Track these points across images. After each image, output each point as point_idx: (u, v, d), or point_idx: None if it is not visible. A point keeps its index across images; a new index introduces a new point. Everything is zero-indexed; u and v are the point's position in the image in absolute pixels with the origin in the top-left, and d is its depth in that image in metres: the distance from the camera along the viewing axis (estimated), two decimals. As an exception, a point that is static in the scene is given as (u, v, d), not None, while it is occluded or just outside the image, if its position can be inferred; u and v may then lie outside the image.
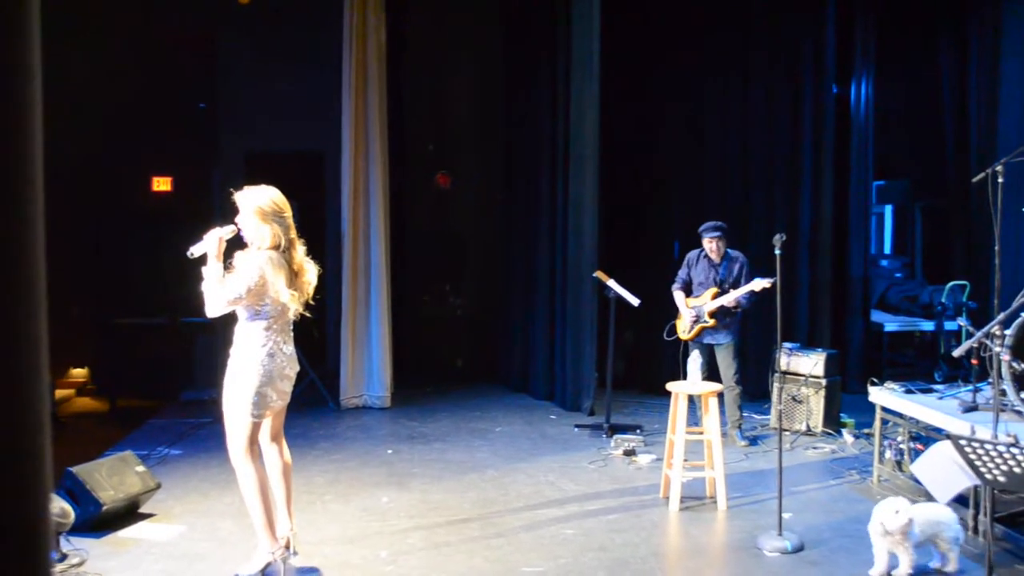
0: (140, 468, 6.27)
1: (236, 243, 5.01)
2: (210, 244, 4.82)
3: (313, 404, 9.31)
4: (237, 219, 4.93)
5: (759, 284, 7.65)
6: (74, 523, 5.59)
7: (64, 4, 9.29)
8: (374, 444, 8.19)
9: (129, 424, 8.83)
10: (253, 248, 4.92)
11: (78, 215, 10.07)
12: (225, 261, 4.88)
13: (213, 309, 4.79)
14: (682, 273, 8.25)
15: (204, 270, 4.82)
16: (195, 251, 4.85)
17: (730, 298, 7.85)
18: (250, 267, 4.78)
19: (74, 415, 9.63)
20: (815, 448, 8.02)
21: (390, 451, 7.92)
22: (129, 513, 6.06)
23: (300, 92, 10.71)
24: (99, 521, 5.77)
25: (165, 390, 9.93)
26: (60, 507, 5.43)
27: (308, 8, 10.62)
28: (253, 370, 4.85)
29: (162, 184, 11.11)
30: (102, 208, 10.58)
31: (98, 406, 10.06)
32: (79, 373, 10.66)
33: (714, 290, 7.97)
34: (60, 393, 9.90)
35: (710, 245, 8.03)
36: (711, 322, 7.95)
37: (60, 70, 9.53)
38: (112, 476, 5.98)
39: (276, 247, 4.87)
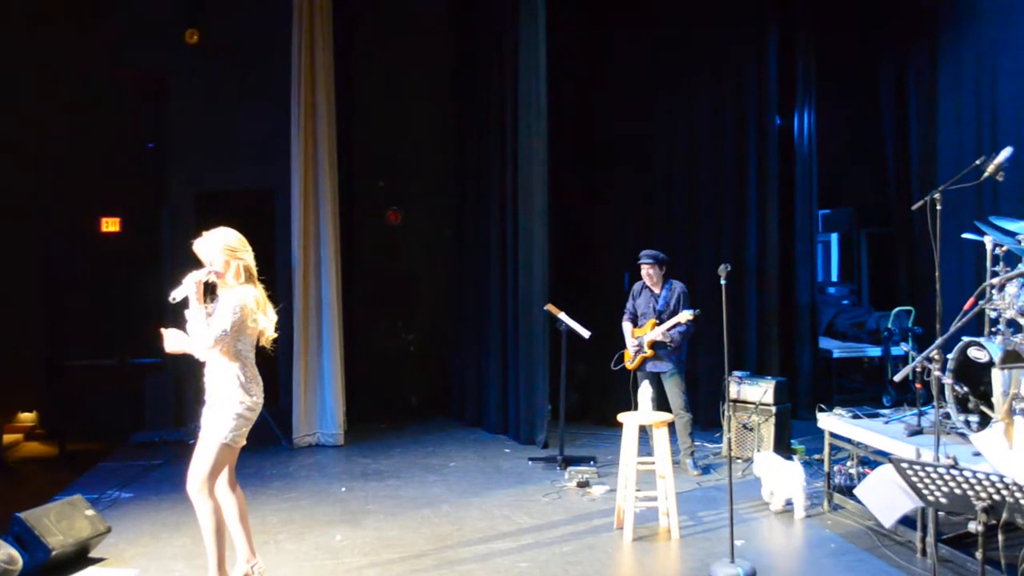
0: (89, 512, 6.19)
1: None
2: (189, 288, 4.99)
3: (266, 443, 9.23)
4: (207, 260, 5.08)
5: (684, 316, 7.86)
6: (22, 570, 5.52)
7: (10, 43, 9.25)
8: (328, 482, 8.14)
9: (79, 467, 8.70)
10: (226, 285, 5.08)
11: (25, 255, 9.97)
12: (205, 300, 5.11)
13: (201, 349, 4.98)
14: (629, 305, 8.37)
15: (187, 313, 5.00)
16: (176, 296, 5.00)
17: (658, 332, 7.97)
18: (230, 304, 4.96)
19: (22, 460, 9.49)
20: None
21: (344, 489, 7.89)
22: (79, 558, 5.97)
23: (249, 131, 10.70)
24: (48, 567, 5.67)
25: (115, 432, 9.81)
26: (8, 554, 5.36)
27: (257, 47, 10.64)
28: (236, 397, 5.00)
29: (110, 224, 11.05)
30: (50, 248, 10.49)
31: (47, 450, 9.92)
32: (27, 417, 10.51)
33: (653, 321, 8.09)
34: (8, 438, 9.75)
35: (644, 272, 8.18)
36: (649, 352, 8.06)
37: (6, 109, 9.48)
38: (61, 521, 5.90)
39: (249, 279, 5.09)
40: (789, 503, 6.89)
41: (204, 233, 5.13)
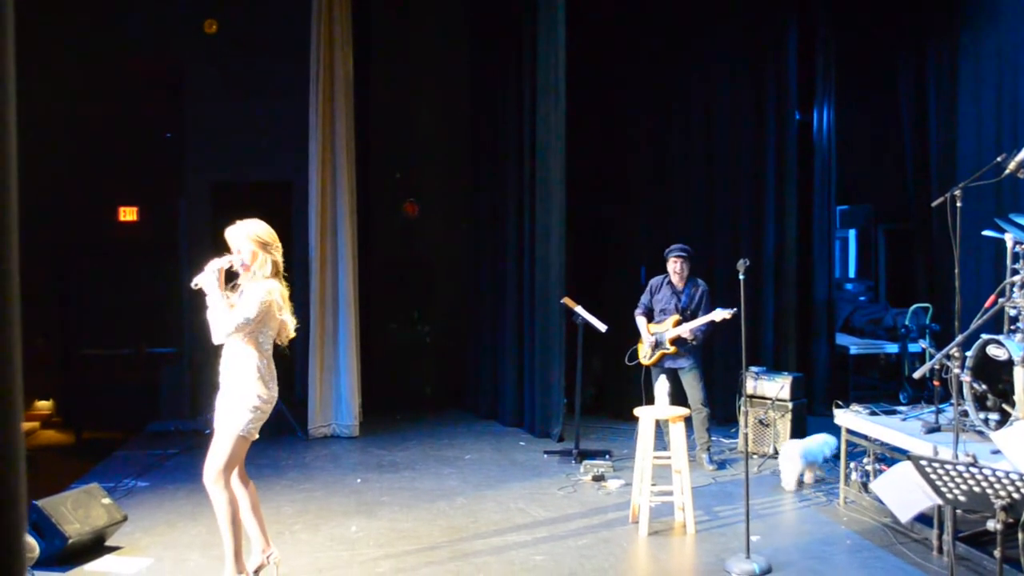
0: (106, 500, 6.22)
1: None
2: (211, 275, 4.98)
3: (281, 433, 9.26)
4: (235, 248, 5.08)
5: (719, 315, 7.72)
6: (39, 558, 5.55)
7: (28, 34, 9.28)
8: (343, 473, 8.16)
9: (95, 456, 8.74)
10: (252, 277, 5.07)
11: (43, 245, 10.01)
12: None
13: (219, 335, 4.96)
14: (644, 299, 8.29)
15: (208, 299, 4.99)
16: (198, 281, 5.00)
17: (686, 329, 7.89)
18: (256, 294, 4.96)
19: (39, 448, 9.54)
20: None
21: (359, 480, 7.90)
22: (95, 546, 6.00)
23: (267, 122, 10.72)
24: (65, 555, 5.70)
25: (131, 421, 9.85)
26: (25, 542, 5.37)
27: (275, 38, 10.65)
28: (253, 390, 4.99)
29: (128, 214, 11.09)
30: (68, 238, 10.53)
31: (63, 438, 9.98)
32: (44, 405, 10.56)
33: (676, 317, 8.01)
34: (25, 426, 9.77)
35: (674, 266, 8.07)
36: (671, 349, 8.00)
37: (25, 100, 9.53)
38: (78, 509, 5.93)
39: (276, 275, 5.09)
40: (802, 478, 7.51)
41: (237, 221, 5.13)
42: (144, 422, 9.95)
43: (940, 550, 5.77)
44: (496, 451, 9.00)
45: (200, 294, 5.03)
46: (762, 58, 10.51)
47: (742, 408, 8.49)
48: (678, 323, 7.97)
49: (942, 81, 10.57)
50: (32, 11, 9.31)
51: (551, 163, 9.38)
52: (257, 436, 5.10)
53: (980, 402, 5.98)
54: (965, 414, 6.00)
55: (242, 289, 5.08)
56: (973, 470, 3.57)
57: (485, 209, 10.81)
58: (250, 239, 5.05)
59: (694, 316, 7.98)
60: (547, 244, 9.42)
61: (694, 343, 7.97)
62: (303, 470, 8.28)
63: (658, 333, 8.05)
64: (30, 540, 5.46)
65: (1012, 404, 5.71)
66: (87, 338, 10.67)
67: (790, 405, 8.51)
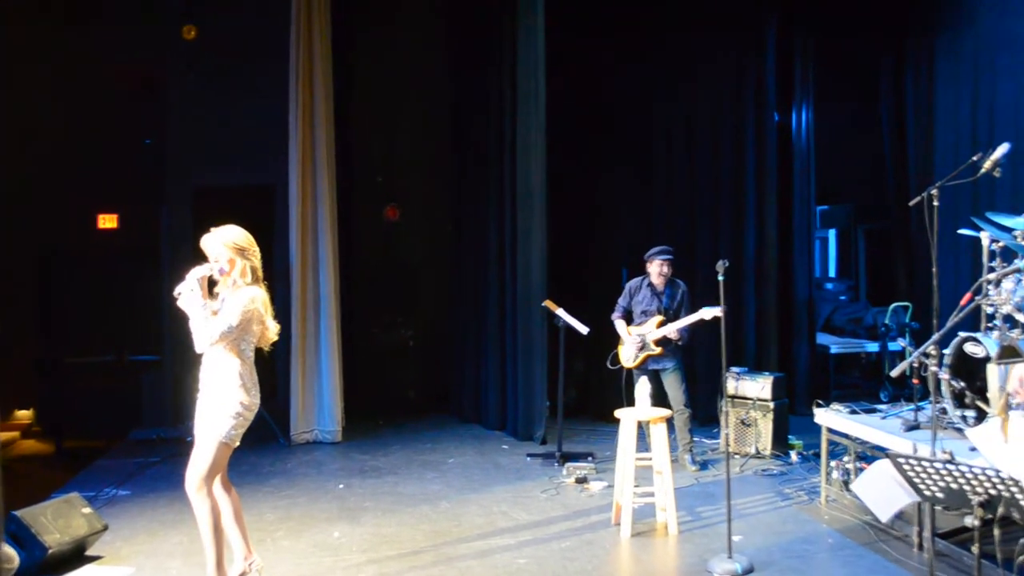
0: (86, 510, 6.18)
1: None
2: (192, 283, 4.94)
3: (263, 440, 9.22)
4: (213, 257, 5.06)
5: (708, 313, 7.64)
6: (18, 568, 5.51)
7: (7, 38, 9.25)
8: (325, 479, 8.14)
9: (76, 465, 8.70)
10: (231, 284, 5.06)
11: (22, 252, 9.97)
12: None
13: (202, 344, 4.94)
14: (622, 301, 8.27)
15: (191, 308, 4.94)
16: (181, 290, 4.96)
17: (672, 328, 7.90)
18: (239, 302, 4.96)
19: (19, 457, 9.48)
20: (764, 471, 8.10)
21: (341, 485, 7.88)
22: (76, 556, 5.96)
23: (248, 127, 10.67)
24: (45, 565, 5.66)
25: (112, 430, 9.80)
26: (4, 552, 5.35)
27: (255, 43, 10.60)
28: (235, 397, 4.98)
29: (108, 221, 11.03)
30: (47, 245, 10.47)
31: (44, 448, 9.91)
32: (24, 414, 10.49)
33: (660, 318, 8.01)
34: (4, 435, 9.73)
35: (660, 268, 8.04)
36: (657, 350, 8.00)
37: (3, 105, 9.48)
38: (58, 519, 5.89)
39: (256, 281, 5.08)
40: None
41: (212, 229, 5.10)
42: (125, 430, 9.90)
43: (920, 547, 5.81)
44: (479, 454, 9.00)
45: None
46: (741, 59, 10.55)
47: (724, 408, 8.44)
48: (662, 324, 7.97)
49: (920, 81, 10.62)
50: (10, 18, 9.28)
51: (532, 166, 9.39)
52: (239, 443, 5.08)
53: (958, 399, 6.02)
54: (944, 411, 6.04)
55: (223, 297, 5.06)
56: (950, 467, 3.60)
57: (467, 212, 10.81)
58: (226, 246, 5.03)
59: (676, 316, 7.99)
60: (528, 247, 9.43)
61: (680, 343, 7.99)
62: (285, 476, 8.26)
63: (641, 335, 8.04)
64: (9, 551, 5.43)
65: (988, 402, 5.75)
66: (68, 346, 10.60)
67: (771, 405, 8.55)
